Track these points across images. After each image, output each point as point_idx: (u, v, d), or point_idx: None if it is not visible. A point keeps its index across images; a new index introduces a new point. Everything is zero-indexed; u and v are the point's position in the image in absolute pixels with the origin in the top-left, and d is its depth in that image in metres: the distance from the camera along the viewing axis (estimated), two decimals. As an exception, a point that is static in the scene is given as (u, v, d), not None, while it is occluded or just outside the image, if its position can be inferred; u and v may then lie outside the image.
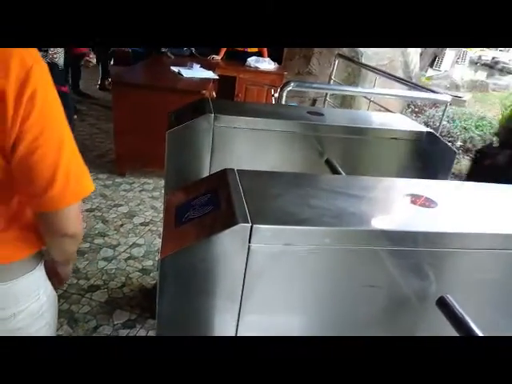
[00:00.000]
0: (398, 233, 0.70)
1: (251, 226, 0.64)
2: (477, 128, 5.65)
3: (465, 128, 5.65)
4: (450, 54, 11.25)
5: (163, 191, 3.16)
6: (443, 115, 2.19)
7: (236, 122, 1.30)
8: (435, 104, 7.40)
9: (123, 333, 1.83)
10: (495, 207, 0.86)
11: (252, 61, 4.22)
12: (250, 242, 0.65)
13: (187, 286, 0.69)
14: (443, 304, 0.71)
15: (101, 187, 3.06)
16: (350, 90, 2.68)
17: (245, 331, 0.73)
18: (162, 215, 2.76)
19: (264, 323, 0.74)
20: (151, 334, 1.84)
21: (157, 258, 2.32)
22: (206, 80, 3.35)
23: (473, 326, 0.64)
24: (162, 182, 3.26)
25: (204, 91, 2.92)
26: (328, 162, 1.34)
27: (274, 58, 4.39)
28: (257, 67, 4.19)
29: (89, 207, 2.79)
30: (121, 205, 2.88)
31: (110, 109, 3.61)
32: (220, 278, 0.68)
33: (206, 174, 1.29)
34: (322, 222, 0.69)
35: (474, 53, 16.13)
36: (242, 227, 0.64)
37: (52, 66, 2.43)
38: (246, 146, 1.35)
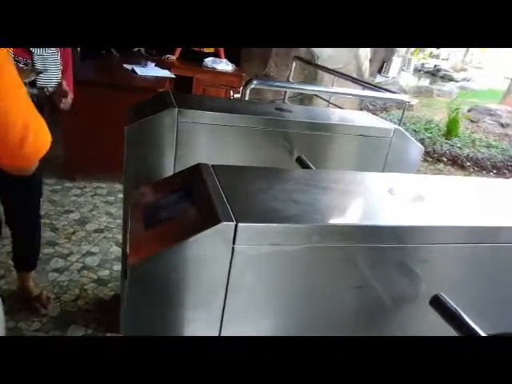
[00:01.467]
0: (393, 228, 0.65)
1: (236, 225, 0.57)
2: (426, 130, 5.91)
3: (414, 130, 5.89)
4: (396, 60, 11.76)
5: (119, 196, 3.00)
6: (402, 114, 2.23)
7: (202, 118, 1.21)
8: (385, 109, 7.71)
9: (78, 350, 1.67)
10: (475, 200, 0.84)
11: (209, 61, 4.13)
12: (234, 243, 0.58)
13: (161, 296, 0.60)
14: (438, 303, 0.67)
15: (49, 193, 2.83)
16: (312, 89, 2.68)
17: (227, 344, 0.65)
18: (118, 221, 2.59)
19: (248, 333, 0.66)
20: (110, 349, 1.70)
21: (114, 268, 2.16)
22: (163, 78, 3.21)
23: (473, 325, 0.60)
24: (117, 186, 3.08)
25: (161, 90, 2.79)
26: (299, 160, 1.29)
27: (231, 59, 4.33)
28: (214, 68, 4.10)
29: (36, 214, 2.57)
30: (71, 211, 2.68)
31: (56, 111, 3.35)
32: (199, 285, 0.60)
33: (170, 172, 1.19)
34: (311, 218, 0.63)
35: (417, 61, 17.03)
36: (226, 226, 0.57)
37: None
38: (212, 143, 1.26)
